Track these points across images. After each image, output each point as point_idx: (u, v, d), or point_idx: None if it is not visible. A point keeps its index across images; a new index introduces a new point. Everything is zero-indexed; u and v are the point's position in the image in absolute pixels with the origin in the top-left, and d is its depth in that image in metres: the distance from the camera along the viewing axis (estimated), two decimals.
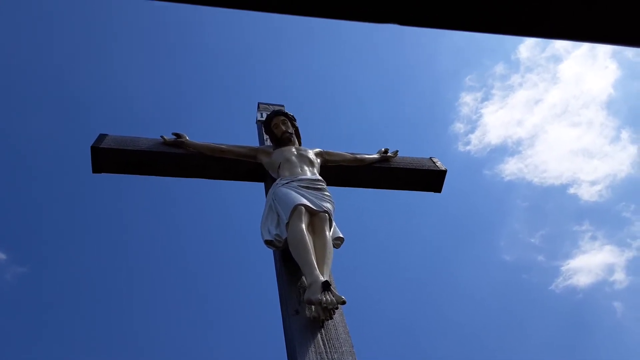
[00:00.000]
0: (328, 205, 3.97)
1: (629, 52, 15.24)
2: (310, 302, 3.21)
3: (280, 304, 3.57)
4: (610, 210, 15.55)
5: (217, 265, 14.25)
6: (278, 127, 4.78)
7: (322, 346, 3.05)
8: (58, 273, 13.25)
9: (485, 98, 16.18)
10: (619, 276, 14.34)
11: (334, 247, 3.79)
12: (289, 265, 3.69)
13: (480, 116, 15.99)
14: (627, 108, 16.22)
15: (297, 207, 3.76)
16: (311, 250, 3.53)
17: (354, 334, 3.20)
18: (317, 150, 4.76)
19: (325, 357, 2.98)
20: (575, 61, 17.22)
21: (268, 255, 4.08)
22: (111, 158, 4.49)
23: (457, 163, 14.70)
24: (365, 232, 13.63)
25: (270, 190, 4.16)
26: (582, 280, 14.32)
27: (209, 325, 12.93)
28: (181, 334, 12.57)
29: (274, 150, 4.64)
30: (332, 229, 3.91)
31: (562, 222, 15.92)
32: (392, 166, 5.03)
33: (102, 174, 4.57)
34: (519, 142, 16.17)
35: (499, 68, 16.30)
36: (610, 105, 16.24)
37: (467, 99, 15.99)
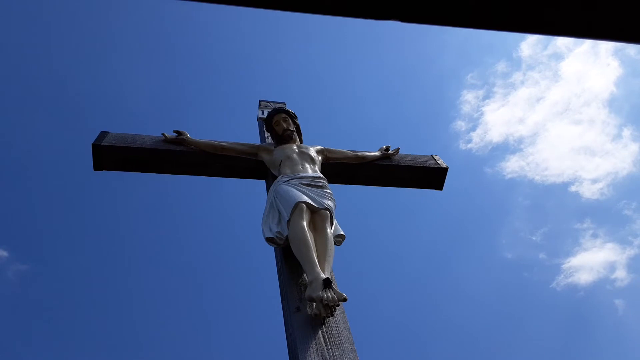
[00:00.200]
0: (329, 203, 3.98)
1: (630, 49, 15.21)
2: (312, 299, 3.21)
3: (282, 301, 3.57)
4: (611, 208, 15.56)
5: (219, 263, 14.28)
6: (279, 124, 4.78)
7: (323, 343, 3.05)
8: (59, 271, 13.28)
9: (487, 96, 16.18)
10: (620, 274, 14.35)
11: (335, 244, 3.79)
12: (290, 263, 3.69)
13: (482, 114, 15.99)
14: (629, 106, 16.22)
15: (298, 205, 3.77)
16: (312, 248, 3.53)
17: (355, 331, 3.21)
18: (319, 147, 4.76)
19: (327, 354, 2.98)
20: (577, 59, 17.22)
21: (269, 253, 4.09)
22: (112, 155, 4.50)
23: (458, 161, 14.70)
24: (366, 230, 13.65)
25: (272, 187, 4.16)
26: (584, 278, 14.33)
27: (210, 323, 12.95)
28: (183, 331, 12.60)
29: (275, 147, 4.65)
30: (333, 227, 3.92)
31: (564, 220, 15.92)
32: (393, 164, 5.03)
33: (104, 171, 4.57)
34: (520, 140, 16.17)
35: (501, 66, 16.30)
36: (612, 103, 16.23)
37: (469, 97, 15.98)
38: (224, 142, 4.70)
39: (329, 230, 3.78)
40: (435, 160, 5.11)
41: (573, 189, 15.46)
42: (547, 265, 14.76)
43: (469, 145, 15.43)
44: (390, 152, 5.08)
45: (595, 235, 15.12)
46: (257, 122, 5.62)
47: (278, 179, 4.19)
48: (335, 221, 3.99)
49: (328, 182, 4.27)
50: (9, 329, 11.76)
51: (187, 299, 13.40)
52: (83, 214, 13.79)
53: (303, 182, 4.09)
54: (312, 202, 3.85)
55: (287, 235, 3.69)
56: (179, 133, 4.70)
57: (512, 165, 15.57)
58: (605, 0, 0.91)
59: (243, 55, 15.12)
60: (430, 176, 5.06)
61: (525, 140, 16.15)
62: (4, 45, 13.20)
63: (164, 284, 13.46)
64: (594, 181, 15.45)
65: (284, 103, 5.76)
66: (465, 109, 16.03)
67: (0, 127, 13.20)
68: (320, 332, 3.12)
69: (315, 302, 3.20)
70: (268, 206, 4.03)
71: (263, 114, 5.49)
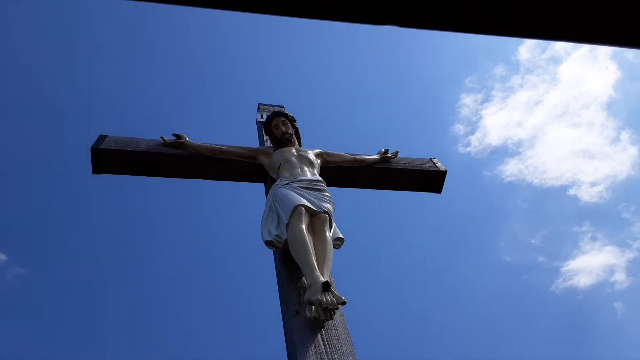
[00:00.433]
0: (328, 206, 3.98)
1: (629, 53, 15.24)
2: (311, 303, 3.21)
3: (281, 305, 3.57)
4: (610, 211, 15.55)
5: (218, 266, 14.26)
6: (278, 128, 4.79)
7: (323, 346, 3.05)
8: (58, 274, 13.26)
9: (486, 99, 16.18)
10: (620, 277, 14.34)
11: (334, 247, 3.79)
12: (289, 266, 3.69)
13: (480, 118, 15.99)
14: (627, 109, 16.23)
15: (297, 208, 3.77)
16: (311, 251, 3.53)
17: (354, 335, 3.20)
18: (317, 151, 4.77)
19: (326, 357, 2.98)
20: (575, 62, 17.23)
21: (268, 256, 4.09)
22: (111, 159, 4.50)
23: (457, 164, 14.69)
24: (365, 233, 13.64)
25: (271, 191, 4.16)
26: (583, 281, 14.32)
27: (209, 326, 12.93)
28: (182, 334, 12.57)
29: (274, 151, 4.65)
30: (332, 230, 3.92)
31: (563, 223, 15.91)
32: (392, 167, 5.04)
33: (102, 174, 4.57)
34: (519, 144, 16.18)
35: (499, 70, 16.31)
36: (611, 107, 16.24)
37: (467, 101, 15.99)
38: (222, 145, 4.71)
39: (328, 233, 3.78)
40: (434, 163, 5.12)
41: (572, 192, 15.46)
42: (546, 268, 14.75)
43: (468, 149, 15.44)
44: (389, 155, 5.08)
45: (594, 238, 15.12)
46: (256, 126, 5.62)
47: (277, 182, 4.19)
48: (334, 224, 3.99)
49: (327, 186, 4.27)
50: (8, 332, 11.74)
51: (186, 302, 13.38)
52: (82, 218, 13.79)
53: (302, 185, 4.09)
54: (311, 206, 3.86)
55: (286, 239, 3.69)
56: (177, 137, 4.70)
57: (510, 169, 15.58)
58: (603, 3, 0.91)
59: (242, 58, 15.14)
60: (429, 179, 5.07)
61: (524, 144, 16.18)
62: (3, 46, 13.22)
63: (163, 287, 13.44)
64: (593, 184, 15.45)
65: (282, 106, 5.77)
66: (464, 112, 16.04)
67: None
68: (319, 336, 3.12)
69: (314, 305, 3.20)
70: (267, 209, 4.03)
71: (262, 118, 5.50)
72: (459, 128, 15.71)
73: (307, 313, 3.25)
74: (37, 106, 13.71)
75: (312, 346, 3.04)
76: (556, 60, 16.82)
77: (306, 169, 4.37)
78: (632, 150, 15.47)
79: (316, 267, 3.41)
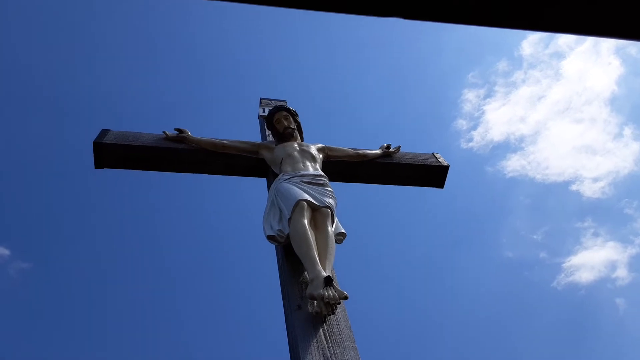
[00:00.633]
0: (330, 201, 3.98)
1: (632, 48, 15.18)
2: (313, 297, 3.21)
3: (283, 299, 3.57)
4: (612, 207, 15.54)
5: (220, 261, 14.29)
6: (280, 122, 4.78)
7: (324, 341, 3.05)
8: (61, 269, 13.29)
9: (488, 95, 16.16)
10: (622, 273, 14.34)
11: (336, 242, 3.79)
12: (291, 261, 3.69)
13: (483, 113, 15.97)
14: (630, 105, 16.20)
15: (299, 203, 3.77)
16: (313, 246, 3.53)
17: (356, 329, 3.21)
18: (319, 145, 4.76)
19: (327, 352, 2.99)
20: (578, 57, 17.18)
21: (270, 251, 4.09)
22: (113, 153, 4.50)
23: (459, 160, 14.68)
24: (367, 228, 13.65)
25: (273, 185, 4.16)
26: (585, 276, 14.32)
27: (211, 321, 12.97)
28: (184, 329, 12.61)
29: (276, 145, 4.64)
30: (334, 225, 3.92)
31: (565, 219, 15.91)
32: (394, 162, 5.03)
33: (105, 169, 4.57)
34: (521, 139, 16.14)
35: (502, 65, 16.27)
36: (614, 102, 16.21)
37: (470, 96, 15.97)
38: (225, 140, 4.70)
39: (330, 228, 3.78)
40: (436, 158, 5.11)
41: (574, 187, 15.45)
42: (548, 264, 14.76)
43: (470, 144, 15.43)
44: (391, 150, 5.08)
45: (596, 234, 15.13)
46: (258, 120, 5.61)
47: (279, 177, 4.19)
48: (336, 219, 3.99)
49: (329, 180, 4.27)
50: (11, 327, 11.79)
51: (188, 297, 13.41)
52: (84, 212, 13.81)
53: (304, 180, 4.09)
54: (313, 200, 3.85)
55: (288, 233, 3.69)
56: (180, 131, 4.70)
57: (513, 164, 15.56)
58: None
59: (244, 53, 15.12)
60: (431, 174, 5.06)
61: (527, 139, 16.14)
62: (6, 42, 13.21)
63: (165, 281, 13.48)
64: (595, 180, 15.44)
65: (285, 101, 5.75)
66: (467, 107, 16.02)
67: (2, 125, 13.21)
68: (321, 330, 3.13)
69: (316, 300, 3.21)
70: (269, 204, 4.03)
71: (264, 112, 5.49)
72: (462, 123, 15.69)
73: (309, 308, 3.26)
74: (39, 101, 13.72)
75: (314, 341, 3.04)
76: (559, 56, 16.79)
77: (308, 163, 4.36)
78: (635, 146, 15.44)
79: (318, 261, 3.42)
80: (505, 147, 16.01)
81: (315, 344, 3.02)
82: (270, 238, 3.79)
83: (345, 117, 15.04)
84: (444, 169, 5.02)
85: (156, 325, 12.97)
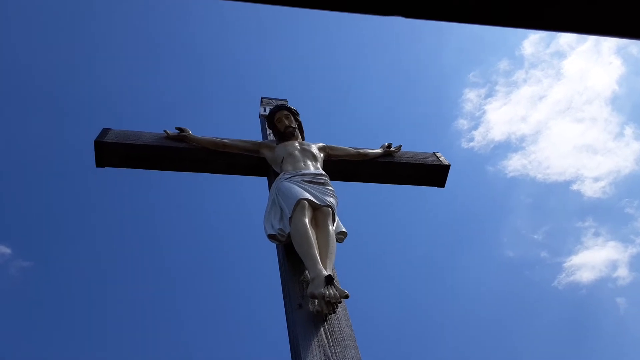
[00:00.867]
0: (331, 200, 3.98)
1: (633, 48, 15.15)
2: (314, 296, 3.22)
3: (284, 298, 3.58)
4: (613, 207, 15.51)
5: (221, 260, 14.30)
6: (281, 121, 4.78)
7: (325, 340, 3.06)
8: (62, 268, 13.30)
9: (489, 94, 16.14)
10: (622, 272, 14.32)
11: (337, 241, 3.80)
12: (292, 260, 3.70)
13: (484, 112, 15.94)
14: (631, 104, 16.17)
15: (300, 202, 3.77)
16: (314, 245, 3.54)
17: (357, 328, 3.21)
18: (320, 144, 4.77)
19: (328, 350, 2.99)
20: (579, 57, 17.15)
21: (271, 250, 4.10)
22: (114, 152, 4.51)
23: (460, 159, 14.65)
24: (368, 227, 13.65)
25: (274, 184, 4.17)
26: (585, 276, 14.31)
27: (212, 320, 12.98)
28: (185, 328, 12.62)
29: (277, 144, 4.65)
30: (335, 224, 3.92)
31: (565, 219, 15.89)
32: (395, 161, 5.03)
33: (106, 168, 4.58)
34: (522, 139, 16.11)
35: (503, 64, 16.24)
36: (615, 102, 16.18)
37: (471, 96, 15.95)
38: (225, 139, 4.71)
39: (330, 227, 3.79)
40: (437, 157, 5.11)
41: (575, 187, 15.43)
42: (549, 264, 14.74)
43: (471, 144, 15.40)
44: (392, 149, 5.08)
45: (597, 234, 15.11)
46: (259, 119, 5.62)
47: (280, 176, 4.19)
48: (337, 218, 4.00)
49: (330, 179, 4.27)
50: (11, 325, 11.80)
51: (189, 296, 13.42)
52: (85, 211, 13.82)
53: (305, 179, 4.09)
54: (314, 199, 3.86)
55: (289, 232, 3.70)
56: (180, 130, 4.70)
57: (514, 164, 15.53)
58: None
59: (245, 52, 15.12)
60: (432, 173, 5.06)
61: (527, 139, 16.11)
62: (6, 42, 13.22)
63: (166, 281, 13.48)
64: (596, 179, 15.43)
65: (285, 100, 5.75)
66: (467, 107, 15.99)
67: (3, 124, 13.22)
68: (322, 329, 3.13)
69: (317, 299, 3.21)
70: (270, 203, 4.04)
71: (265, 111, 5.49)
72: (462, 123, 15.67)
73: (310, 306, 3.26)
74: (40, 101, 13.73)
75: (315, 339, 3.05)
76: (560, 55, 16.76)
77: (309, 162, 4.37)
78: (636, 145, 15.43)
79: (319, 260, 3.42)
80: (506, 147, 16.00)
81: (316, 343, 3.02)
82: (271, 237, 3.79)
83: (346, 116, 15.03)
84: (445, 169, 5.02)
85: (157, 324, 12.99)
